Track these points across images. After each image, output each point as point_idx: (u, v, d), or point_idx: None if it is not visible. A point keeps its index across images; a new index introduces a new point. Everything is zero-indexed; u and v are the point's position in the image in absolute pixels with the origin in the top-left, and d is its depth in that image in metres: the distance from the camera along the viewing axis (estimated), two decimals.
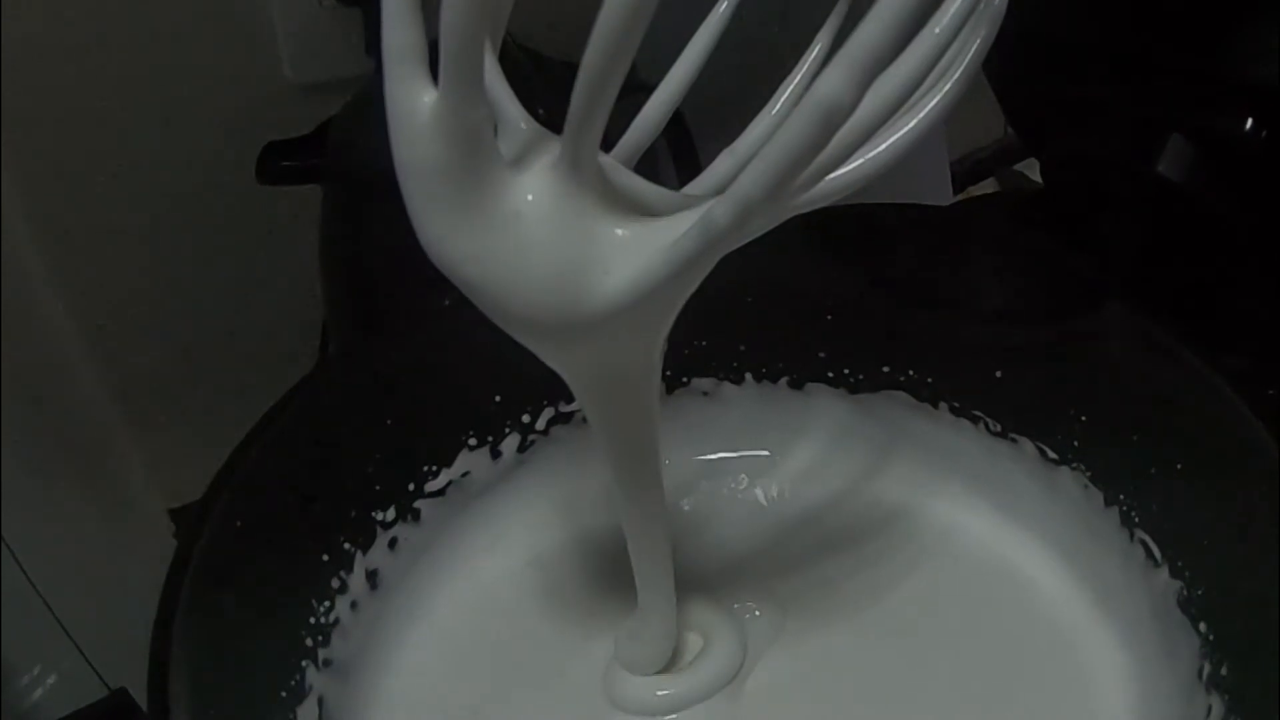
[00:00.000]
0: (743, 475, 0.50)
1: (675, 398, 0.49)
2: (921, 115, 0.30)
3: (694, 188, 0.33)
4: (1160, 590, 0.40)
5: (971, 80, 0.30)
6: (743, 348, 0.49)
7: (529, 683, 0.43)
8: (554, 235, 0.28)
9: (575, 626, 0.45)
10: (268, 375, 0.44)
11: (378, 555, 0.44)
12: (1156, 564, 0.40)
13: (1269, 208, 0.46)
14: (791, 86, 0.34)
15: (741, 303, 0.47)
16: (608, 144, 0.29)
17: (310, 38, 0.67)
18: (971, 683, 0.41)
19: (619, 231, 0.28)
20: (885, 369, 0.48)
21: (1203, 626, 0.38)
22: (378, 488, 0.45)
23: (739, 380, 0.49)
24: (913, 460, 0.48)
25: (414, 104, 0.26)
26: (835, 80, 0.23)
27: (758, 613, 0.44)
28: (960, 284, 0.46)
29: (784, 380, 0.49)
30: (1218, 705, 0.36)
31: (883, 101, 0.26)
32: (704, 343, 0.48)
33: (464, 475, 0.47)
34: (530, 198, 0.28)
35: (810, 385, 0.49)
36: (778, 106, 0.34)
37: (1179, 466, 0.40)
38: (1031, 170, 0.86)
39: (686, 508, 0.49)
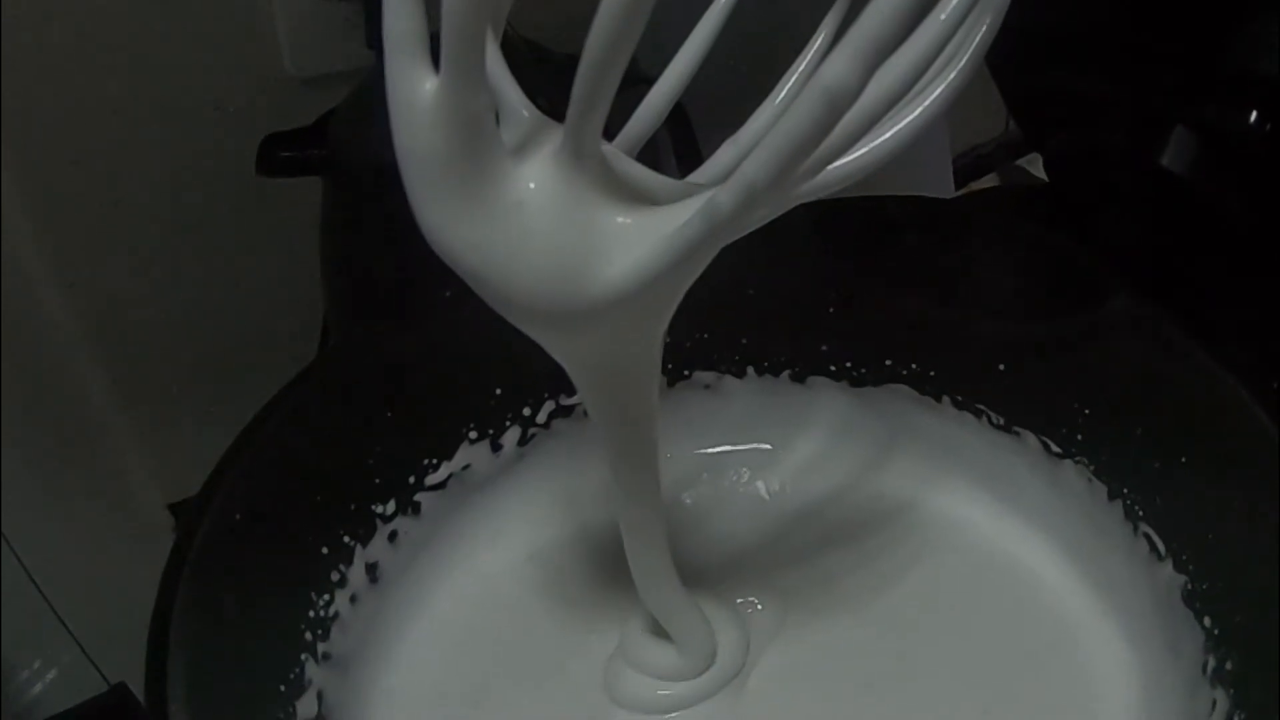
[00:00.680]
0: (744, 469, 0.50)
1: (676, 391, 0.49)
2: (926, 104, 0.29)
3: (696, 178, 0.32)
4: (1164, 584, 0.40)
5: (976, 69, 0.30)
6: (744, 341, 0.49)
7: (529, 678, 0.43)
8: (556, 223, 0.28)
9: (576, 621, 0.45)
10: (267, 369, 0.44)
11: (378, 548, 0.44)
12: (1160, 558, 0.40)
13: (1272, 200, 0.46)
14: (795, 77, 0.34)
15: (743, 295, 0.47)
16: (608, 136, 0.29)
17: (310, 31, 0.67)
18: (974, 677, 0.41)
19: (621, 219, 0.28)
20: (888, 362, 0.48)
21: (1207, 621, 0.38)
22: (378, 481, 0.44)
23: (741, 373, 0.49)
24: (915, 454, 0.48)
25: (415, 91, 0.26)
26: (840, 65, 0.22)
27: (760, 606, 0.44)
28: (963, 277, 0.46)
29: (786, 373, 0.49)
30: (1222, 700, 0.36)
31: (887, 88, 0.25)
32: (705, 335, 0.48)
33: (465, 468, 0.47)
34: (532, 186, 0.28)
35: (812, 378, 0.49)
36: (781, 96, 0.33)
37: (1183, 460, 0.40)
38: (1033, 166, 0.86)
39: (688, 501, 0.49)
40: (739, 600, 0.44)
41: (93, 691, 0.56)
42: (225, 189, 0.68)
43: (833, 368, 0.48)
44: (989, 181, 0.90)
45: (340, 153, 0.58)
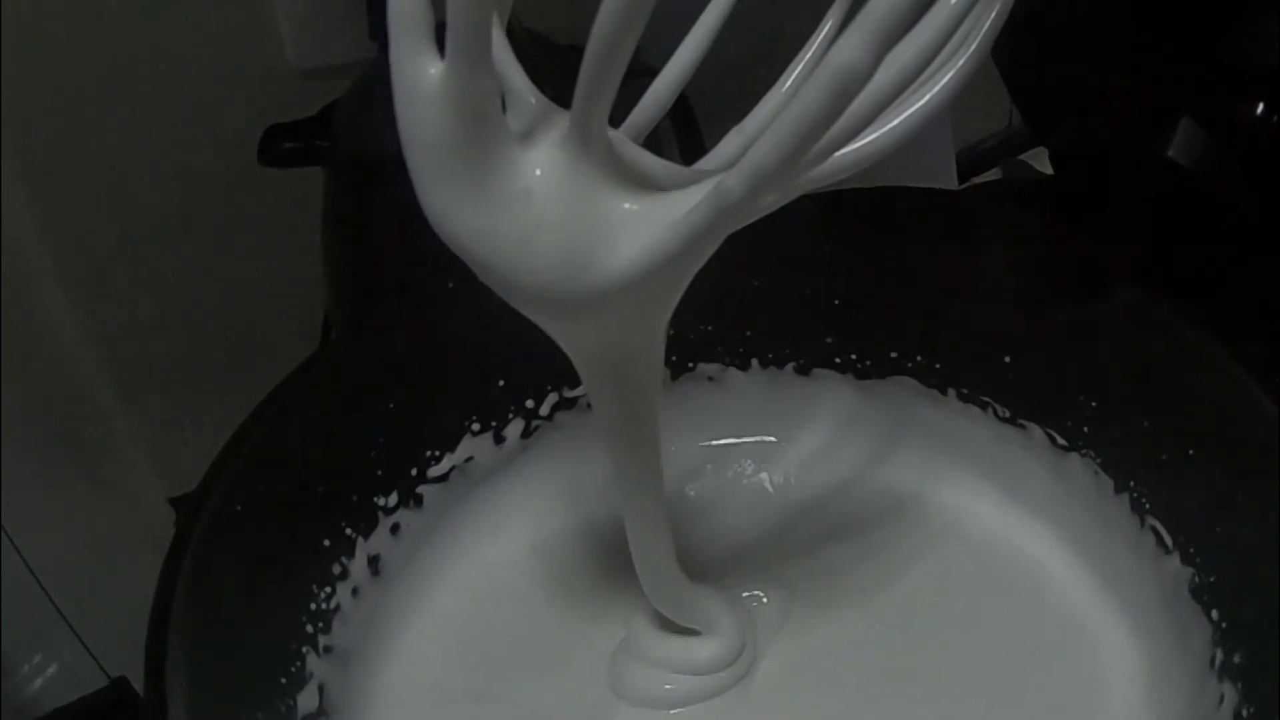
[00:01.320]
0: (749, 461, 0.49)
1: (680, 383, 0.49)
2: (934, 92, 0.29)
3: (702, 167, 0.32)
4: (1171, 578, 0.40)
5: (984, 57, 0.30)
6: (749, 333, 0.49)
7: (532, 671, 0.43)
8: (563, 210, 0.27)
9: (580, 615, 0.44)
10: (269, 363, 0.43)
11: (380, 541, 0.44)
12: (1168, 551, 0.40)
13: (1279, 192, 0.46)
14: (801, 65, 0.34)
15: (748, 287, 0.47)
16: (612, 127, 0.29)
17: (312, 23, 0.67)
18: (980, 671, 0.41)
19: (628, 206, 0.28)
20: (893, 355, 0.47)
21: (1215, 614, 0.38)
22: (380, 472, 0.44)
23: (745, 366, 0.49)
24: (920, 447, 0.48)
25: (420, 75, 0.26)
26: (851, 47, 0.22)
27: (765, 599, 0.44)
28: (969, 269, 0.46)
29: (790, 366, 0.49)
30: (1230, 694, 0.36)
31: (897, 72, 0.25)
32: (710, 328, 0.48)
33: (467, 460, 0.46)
34: (538, 173, 0.28)
35: (817, 371, 0.49)
36: (788, 84, 0.33)
37: (1191, 452, 0.40)
38: (1036, 160, 0.85)
39: (692, 494, 0.49)
40: (744, 594, 0.44)
41: (93, 686, 0.56)
42: (226, 182, 0.68)
43: (837, 360, 0.48)
44: (992, 176, 0.90)
45: (342, 143, 0.58)
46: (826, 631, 0.43)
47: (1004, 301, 0.45)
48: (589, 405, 0.46)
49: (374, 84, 0.57)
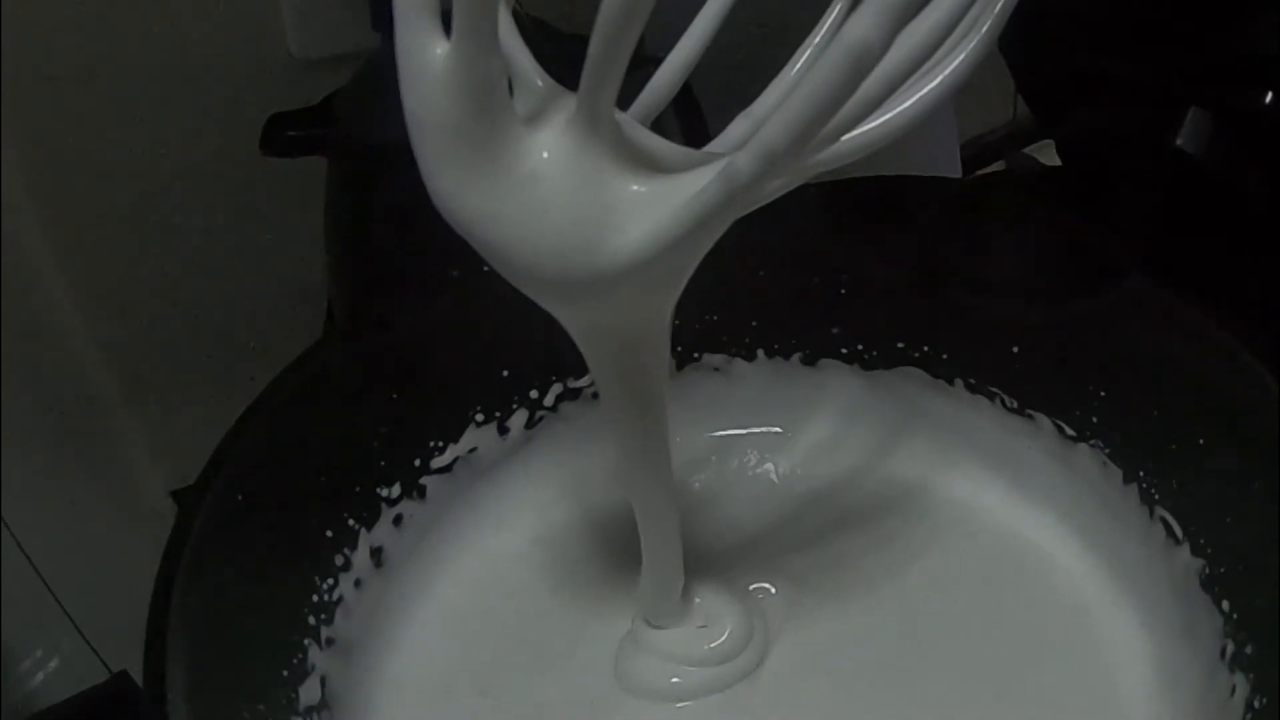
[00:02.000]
0: (754, 452, 0.49)
1: (686, 373, 0.48)
2: (944, 75, 0.29)
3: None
4: (1181, 569, 0.39)
5: (994, 41, 0.30)
6: (755, 323, 0.48)
7: (536, 664, 0.43)
8: (570, 193, 0.27)
9: (584, 606, 0.44)
10: (272, 353, 0.43)
11: (383, 532, 0.44)
12: (1178, 542, 0.40)
13: None
14: (810, 49, 0.33)
15: (754, 277, 0.47)
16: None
17: (314, 13, 0.67)
18: (988, 662, 0.41)
19: (636, 188, 0.27)
20: (899, 345, 0.47)
21: (1225, 605, 0.37)
22: (383, 463, 0.44)
23: (751, 356, 0.49)
24: (927, 437, 0.47)
25: (426, 55, 0.26)
26: (865, 24, 0.22)
27: (772, 590, 0.44)
28: (976, 259, 0.46)
29: (796, 356, 0.49)
30: (1242, 685, 0.36)
31: (909, 52, 0.25)
32: (715, 318, 0.48)
33: (471, 451, 0.46)
34: (546, 155, 0.27)
35: (823, 361, 0.48)
36: (797, 66, 0.33)
37: (1200, 442, 0.39)
38: (1041, 154, 0.85)
39: (697, 485, 0.48)
40: (751, 586, 0.44)
41: (94, 680, 0.56)
42: (228, 173, 0.67)
43: (844, 350, 0.48)
44: (996, 169, 0.90)
45: (345, 132, 0.58)
46: (834, 623, 0.43)
47: (1012, 291, 0.45)
48: (594, 396, 0.47)
49: (377, 74, 0.57)
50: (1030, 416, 0.45)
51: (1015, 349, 0.45)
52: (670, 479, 0.38)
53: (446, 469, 0.46)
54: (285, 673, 0.38)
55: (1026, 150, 0.88)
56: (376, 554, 0.43)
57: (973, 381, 0.46)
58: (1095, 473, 0.43)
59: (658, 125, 0.33)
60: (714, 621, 0.42)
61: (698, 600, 0.42)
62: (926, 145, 0.62)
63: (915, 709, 0.40)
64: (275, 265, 0.72)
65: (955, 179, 0.66)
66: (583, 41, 0.25)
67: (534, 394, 0.47)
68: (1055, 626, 0.42)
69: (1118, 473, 0.42)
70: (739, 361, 0.49)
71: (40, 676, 0.60)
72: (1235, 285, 0.48)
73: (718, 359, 0.49)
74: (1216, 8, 0.46)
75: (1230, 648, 0.36)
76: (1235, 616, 0.37)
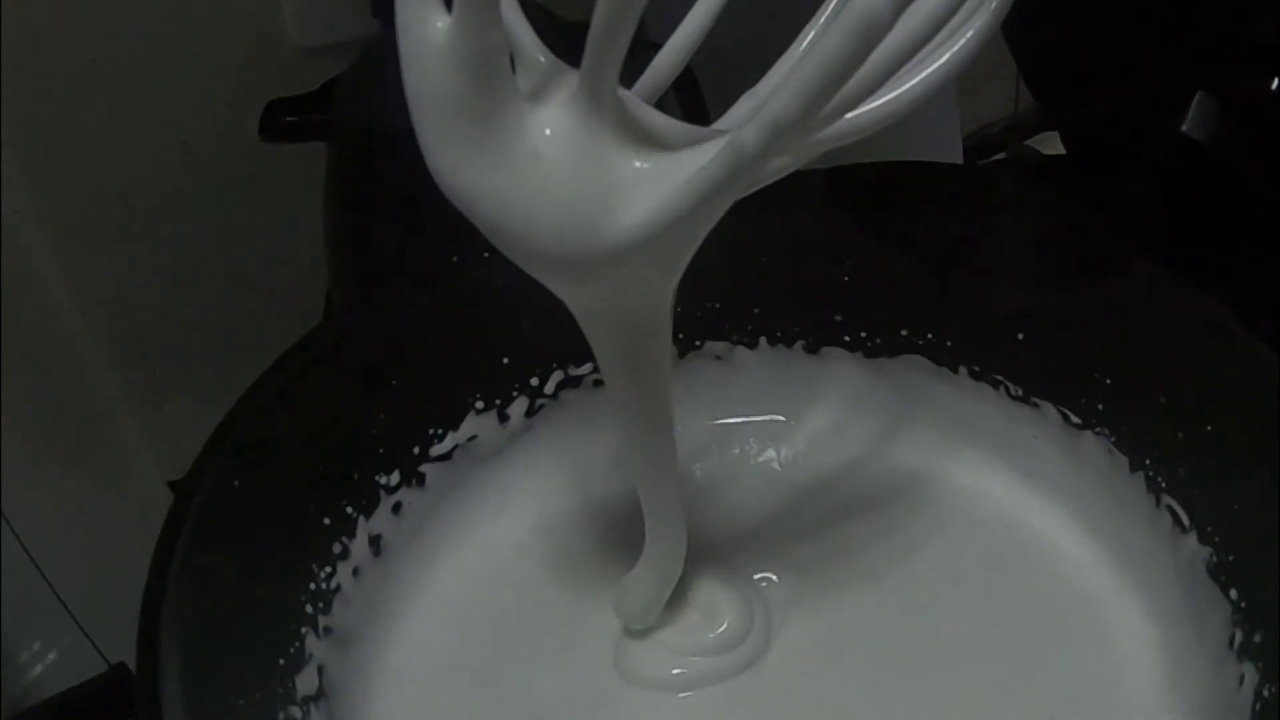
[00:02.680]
0: (756, 441, 0.49)
1: (688, 361, 0.48)
2: (950, 54, 0.29)
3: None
4: (1188, 557, 0.39)
5: (999, 21, 0.29)
6: (757, 310, 0.48)
7: (537, 654, 0.43)
8: (572, 169, 0.27)
9: (584, 595, 0.44)
10: (270, 344, 0.43)
11: (381, 520, 0.43)
12: (1184, 530, 0.40)
13: None
14: (815, 28, 0.33)
15: (756, 264, 0.46)
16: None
17: (314, 1, 0.66)
18: (993, 652, 0.41)
19: (639, 164, 0.27)
20: (903, 333, 0.47)
21: (1233, 593, 0.37)
22: (382, 451, 0.44)
23: (753, 344, 0.48)
24: (931, 426, 0.47)
25: (427, 29, 0.25)
26: None
27: (775, 579, 0.43)
28: (981, 245, 0.46)
29: (799, 344, 0.48)
30: (1250, 674, 0.35)
31: (916, 26, 0.25)
32: (717, 305, 0.48)
33: (470, 439, 0.46)
34: (548, 132, 0.27)
35: (826, 349, 0.48)
36: (803, 45, 0.32)
37: (1207, 429, 0.39)
38: (1043, 146, 0.85)
39: (698, 474, 0.48)
40: (754, 575, 0.43)
41: (93, 672, 0.56)
42: (227, 160, 0.67)
43: (846, 338, 0.48)
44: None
45: (344, 117, 0.58)
46: (837, 613, 0.42)
47: (1016, 278, 0.45)
48: (595, 383, 0.46)
49: (376, 60, 0.57)
50: (1035, 404, 0.45)
51: (1020, 336, 0.44)
52: (674, 463, 0.38)
53: (446, 456, 0.45)
54: (282, 661, 0.38)
55: (1028, 143, 0.87)
56: (375, 542, 0.43)
57: (977, 369, 0.46)
58: (1101, 461, 0.43)
59: (659, 108, 0.33)
60: (715, 611, 0.41)
61: (699, 590, 0.42)
62: (927, 135, 0.62)
63: (919, 698, 0.40)
64: (275, 251, 0.72)
65: (959, 166, 0.65)
66: (584, 28, 0.25)
67: (534, 381, 0.47)
68: (1061, 616, 0.41)
69: (1124, 461, 0.42)
70: (741, 349, 0.48)
71: (39, 669, 0.60)
72: (1241, 272, 0.47)
73: (719, 346, 0.48)
74: None
75: (1238, 636, 0.36)
76: (1243, 605, 0.37)
